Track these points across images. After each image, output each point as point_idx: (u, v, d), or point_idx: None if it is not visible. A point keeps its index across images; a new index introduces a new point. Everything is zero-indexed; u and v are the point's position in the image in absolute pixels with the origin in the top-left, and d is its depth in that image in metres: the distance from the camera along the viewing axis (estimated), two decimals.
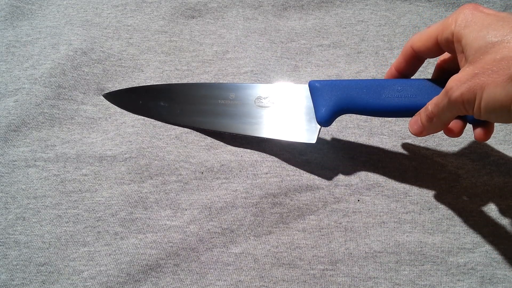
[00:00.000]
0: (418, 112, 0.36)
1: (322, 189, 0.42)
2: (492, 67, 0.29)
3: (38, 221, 0.41)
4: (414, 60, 0.37)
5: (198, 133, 0.45)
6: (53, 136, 0.45)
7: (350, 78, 0.47)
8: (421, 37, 0.36)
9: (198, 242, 0.40)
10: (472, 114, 0.31)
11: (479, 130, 0.35)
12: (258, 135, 0.42)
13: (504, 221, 0.40)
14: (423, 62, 0.38)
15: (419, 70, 0.39)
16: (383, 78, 0.41)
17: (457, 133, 0.36)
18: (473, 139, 0.43)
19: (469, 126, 0.37)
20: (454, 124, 0.36)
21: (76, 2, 0.54)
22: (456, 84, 0.31)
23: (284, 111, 0.42)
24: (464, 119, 0.35)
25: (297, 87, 0.42)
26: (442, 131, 0.37)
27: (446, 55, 0.37)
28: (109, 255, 0.39)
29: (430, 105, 0.34)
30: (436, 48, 0.35)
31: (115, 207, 0.41)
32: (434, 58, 0.47)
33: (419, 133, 0.36)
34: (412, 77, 0.39)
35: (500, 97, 0.29)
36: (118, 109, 0.47)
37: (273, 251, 0.39)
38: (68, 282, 0.38)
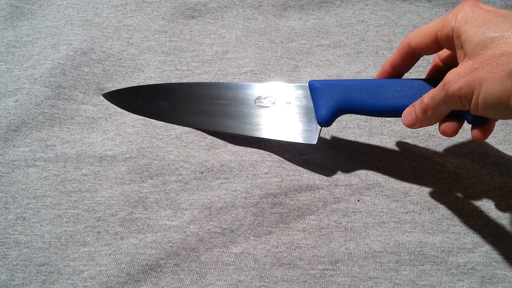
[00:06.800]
0: (412, 104, 0.36)
1: (322, 189, 0.42)
2: (492, 62, 0.29)
3: (38, 221, 0.41)
4: (410, 57, 0.37)
5: (198, 133, 0.45)
6: (53, 136, 0.45)
7: (350, 78, 0.47)
8: (419, 33, 0.35)
9: (198, 242, 0.40)
10: (468, 109, 0.31)
11: (476, 129, 0.34)
12: (259, 136, 0.42)
13: (504, 221, 0.40)
14: (418, 59, 0.38)
15: (418, 70, 0.39)
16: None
17: (450, 134, 0.35)
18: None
19: (468, 126, 0.37)
20: (448, 125, 0.35)
21: (76, 2, 0.54)
22: (454, 78, 0.31)
23: (284, 111, 0.42)
24: (459, 120, 0.35)
25: (297, 87, 0.42)
26: (438, 132, 0.37)
27: (444, 53, 0.37)
28: (109, 255, 0.39)
29: (426, 98, 0.34)
30: (434, 45, 0.35)
31: (115, 207, 0.41)
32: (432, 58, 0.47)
33: (412, 125, 0.36)
34: (411, 76, 0.39)
35: (498, 93, 0.29)
36: (118, 109, 0.47)
37: (273, 251, 0.39)
38: (68, 282, 0.38)
